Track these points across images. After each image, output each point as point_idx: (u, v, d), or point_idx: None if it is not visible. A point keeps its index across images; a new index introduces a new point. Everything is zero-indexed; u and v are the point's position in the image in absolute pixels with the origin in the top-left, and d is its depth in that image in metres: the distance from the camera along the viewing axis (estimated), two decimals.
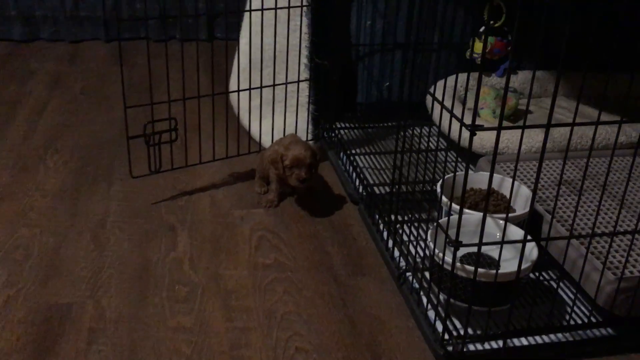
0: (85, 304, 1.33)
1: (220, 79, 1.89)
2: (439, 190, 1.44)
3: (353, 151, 1.92)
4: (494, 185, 1.51)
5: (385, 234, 1.52)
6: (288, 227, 1.63)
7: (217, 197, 1.75)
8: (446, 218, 1.30)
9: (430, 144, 1.99)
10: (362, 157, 1.91)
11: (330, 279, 1.44)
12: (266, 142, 1.92)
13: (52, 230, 1.58)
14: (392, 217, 1.48)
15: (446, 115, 1.85)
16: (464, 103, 1.78)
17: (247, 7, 1.96)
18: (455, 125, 1.77)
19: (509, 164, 1.67)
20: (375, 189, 1.72)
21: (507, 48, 2.15)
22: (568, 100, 2.16)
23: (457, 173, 1.49)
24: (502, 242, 1.09)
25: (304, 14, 1.92)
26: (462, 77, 2.16)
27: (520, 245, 1.27)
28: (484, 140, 1.78)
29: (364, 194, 1.69)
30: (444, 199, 1.40)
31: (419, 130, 2.13)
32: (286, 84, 1.86)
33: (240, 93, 1.81)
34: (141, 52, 2.87)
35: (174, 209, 1.69)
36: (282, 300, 1.36)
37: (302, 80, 1.91)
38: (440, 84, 2.12)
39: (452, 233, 1.11)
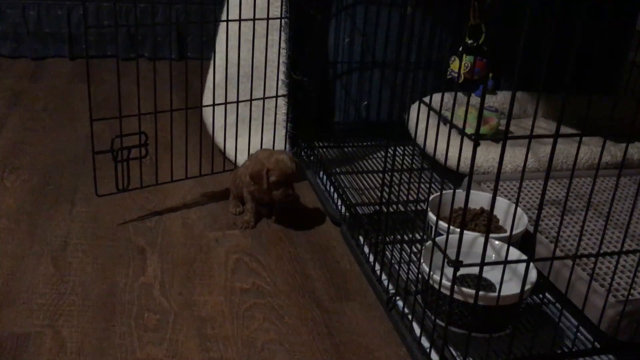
0: (44, 334, 1.20)
1: (194, 98, 1.79)
2: (428, 209, 1.36)
3: (333, 170, 1.83)
4: (484, 204, 1.44)
5: (370, 256, 1.44)
6: (266, 250, 1.53)
7: (190, 218, 1.64)
8: (440, 238, 1.22)
9: (413, 163, 1.92)
10: (342, 176, 1.82)
11: (313, 305, 1.34)
12: (242, 161, 1.82)
13: (9, 253, 1.45)
14: (379, 237, 1.40)
15: (432, 134, 1.79)
16: (448, 121, 1.73)
17: (223, 18, 1.88)
18: (443, 143, 1.70)
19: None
20: (359, 209, 1.63)
21: (487, 67, 2.12)
22: (547, 121, 2.13)
23: (445, 192, 1.42)
24: (506, 262, 1.01)
25: (282, 28, 1.85)
26: (440, 96, 2.12)
27: (515, 266, 1.20)
28: (468, 160, 1.72)
29: (347, 214, 1.60)
30: (433, 217, 1.32)
31: (400, 150, 2.07)
32: (264, 99, 1.77)
33: (215, 110, 1.71)
34: (108, 69, 2.76)
35: (142, 231, 1.57)
36: (263, 327, 1.26)
37: (280, 96, 1.83)
38: (420, 102, 2.07)
39: (449, 253, 1.04)
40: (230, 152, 1.85)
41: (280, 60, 1.85)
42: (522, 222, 1.32)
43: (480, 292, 1.04)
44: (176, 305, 1.31)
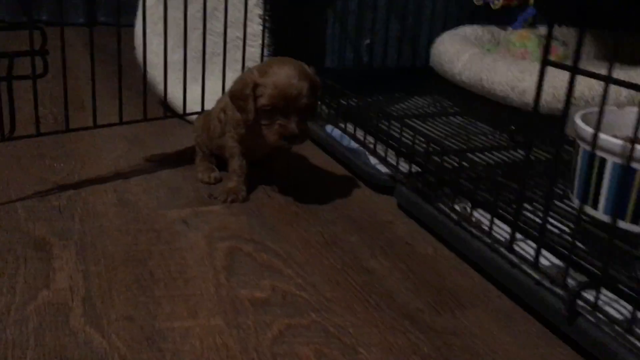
0: None
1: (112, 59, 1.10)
2: (580, 124, 0.76)
3: (362, 117, 1.17)
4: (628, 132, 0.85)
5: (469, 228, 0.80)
6: (277, 230, 0.86)
7: (130, 192, 0.94)
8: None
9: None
10: (381, 124, 1.14)
11: (404, 322, 0.68)
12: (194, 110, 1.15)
13: None
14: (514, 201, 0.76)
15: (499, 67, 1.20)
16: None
17: None
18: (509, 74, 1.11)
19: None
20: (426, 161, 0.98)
21: None
22: (597, 62, 1.60)
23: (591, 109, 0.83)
24: None
25: None
26: (472, 30, 1.55)
27: None
28: (558, 90, 1.14)
29: (409, 171, 0.95)
30: (611, 140, 0.72)
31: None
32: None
33: (156, 45, 1.04)
34: None
35: (44, 213, 0.86)
36: None
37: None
38: (448, 34, 1.49)
39: None
40: (175, 101, 1.17)
41: None
42: None
43: None
44: (125, 346, 0.61)
